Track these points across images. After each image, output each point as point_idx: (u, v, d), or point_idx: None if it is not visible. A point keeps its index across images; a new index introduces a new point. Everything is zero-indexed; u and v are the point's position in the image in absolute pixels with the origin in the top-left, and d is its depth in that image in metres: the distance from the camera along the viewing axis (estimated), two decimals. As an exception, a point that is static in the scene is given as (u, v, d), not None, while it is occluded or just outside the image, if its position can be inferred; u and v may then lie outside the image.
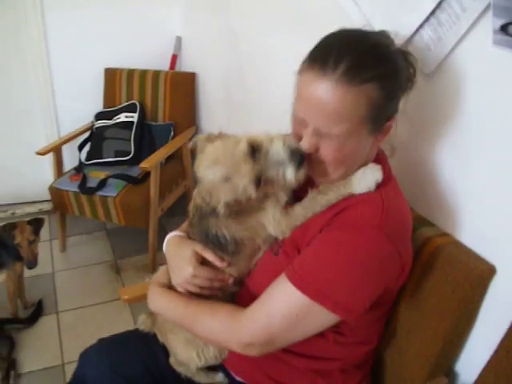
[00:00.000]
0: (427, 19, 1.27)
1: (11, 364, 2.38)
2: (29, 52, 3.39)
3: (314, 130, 1.05)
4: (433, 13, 1.25)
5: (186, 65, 3.57)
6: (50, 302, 2.86)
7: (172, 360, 1.46)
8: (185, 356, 1.39)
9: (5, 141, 3.61)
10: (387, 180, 1.14)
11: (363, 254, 1.04)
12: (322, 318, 1.08)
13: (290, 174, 1.07)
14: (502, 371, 1.11)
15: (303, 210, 1.16)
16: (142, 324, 1.52)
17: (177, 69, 3.58)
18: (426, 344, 1.26)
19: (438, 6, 1.22)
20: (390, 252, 1.06)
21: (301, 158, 1.06)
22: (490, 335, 1.18)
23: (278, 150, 1.07)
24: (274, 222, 1.19)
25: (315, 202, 1.14)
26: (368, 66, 0.99)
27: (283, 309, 1.09)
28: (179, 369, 1.45)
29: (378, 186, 1.11)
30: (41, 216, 2.72)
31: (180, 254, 1.33)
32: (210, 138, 1.16)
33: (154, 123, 3.36)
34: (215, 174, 1.09)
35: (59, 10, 3.30)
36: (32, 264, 2.56)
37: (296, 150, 1.06)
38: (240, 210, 1.16)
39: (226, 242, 1.24)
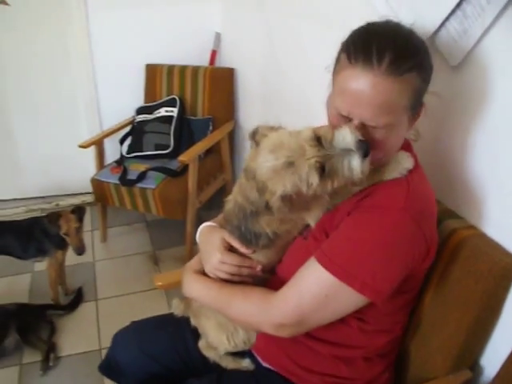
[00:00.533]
0: (453, 11, 1.26)
1: (51, 347, 2.47)
2: (73, 49, 3.51)
3: (359, 124, 1.06)
4: (458, 5, 1.24)
5: (225, 61, 3.61)
6: (90, 290, 2.96)
7: (201, 344, 1.48)
8: (216, 339, 1.41)
9: (50, 134, 3.74)
10: (415, 167, 1.15)
11: (389, 234, 1.07)
12: (351, 298, 1.09)
13: (357, 163, 1.02)
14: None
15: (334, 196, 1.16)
16: (176, 308, 1.56)
17: (216, 64, 3.62)
18: (450, 336, 1.26)
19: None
20: (415, 233, 1.07)
21: (367, 147, 1.02)
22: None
23: (345, 137, 1.02)
24: (316, 218, 1.21)
25: (347, 190, 1.15)
26: (408, 56, 1.02)
27: (313, 290, 1.11)
28: (208, 353, 1.47)
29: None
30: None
31: (210, 242, 1.37)
32: (272, 128, 1.13)
33: (193, 118, 3.41)
34: (278, 158, 1.03)
35: (102, 9, 3.40)
36: (81, 250, 2.64)
37: (362, 139, 1.03)
38: (294, 206, 1.12)
39: (262, 238, 1.25)
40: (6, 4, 3.25)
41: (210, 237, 1.39)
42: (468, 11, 1.22)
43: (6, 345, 2.43)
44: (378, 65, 1.00)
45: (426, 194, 1.15)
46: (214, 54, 3.58)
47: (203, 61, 3.57)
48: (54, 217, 2.60)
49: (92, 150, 3.21)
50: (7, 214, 3.64)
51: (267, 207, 1.10)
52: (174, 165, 3.10)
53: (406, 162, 1.14)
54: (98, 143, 3.20)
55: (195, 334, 1.50)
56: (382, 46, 1.01)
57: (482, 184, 1.30)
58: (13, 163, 3.79)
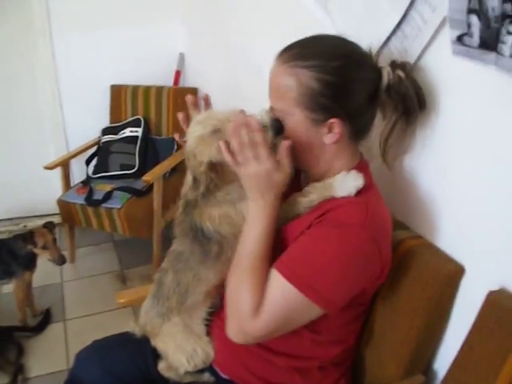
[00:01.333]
0: (394, 32, 1.34)
1: (19, 368, 2.48)
2: (38, 71, 3.54)
3: (270, 107, 1.22)
4: (399, 26, 1.32)
5: (188, 80, 3.68)
6: (58, 311, 2.97)
7: (161, 366, 1.51)
8: (175, 361, 1.44)
9: (16, 156, 3.75)
10: (369, 186, 1.21)
11: (349, 250, 1.11)
12: (307, 308, 1.13)
13: (270, 136, 1.16)
14: (466, 366, 1.16)
15: (286, 209, 1.23)
16: (132, 329, 1.57)
17: (180, 84, 3.69)
18: (401, 343, 1.31)
19: (403, 19, 1.30)
20: (373, 252, 1.13)
21: (279, 124, 1.18)
22: (463, 333, 1.20)
23: (262, 116, 1.18)
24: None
25: (297, 203, 1.22)
26: (310, 56, 1.14)
27: (280, 303, 1.13)
28: (168, 374, 1.50)
29: (360, 192, 1.18)
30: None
31: None
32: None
33: (158, 137, 3.47)
34: (205, 127, 1.18)
35: (66, 30, 3.45)
36: (62, 260, 2.74)
37: (275, 118, 1.18)
38: (221, 177, 1.22)
39: (210, 239, 1.27)
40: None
41: None
42: (407, 32, 1.30)
43: (-28, 367, 2.43)
44: (281, 56, 1.17)
45: (383, 215, 1.20)
46: (178, 74, 3.65)
47: (168, 81, 3.63)
48: (28, 235, 2.64)
49: (59, 171, 3.24)
50: (-26, 237, 3.63)
51: (195, 181, 1.22)
52: (139, 184, 3.15)
53: (355, 180, 1.18)
54: (64, 164, 3.23)
55: (155, 351, 1.51)
56: (295, 44, 1.18)
57: (430, 196, 1.37)
58: (-22, 186, 3.78)
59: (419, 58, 1.29)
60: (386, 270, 1.22)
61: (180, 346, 1.42)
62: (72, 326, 2.85)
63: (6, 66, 3.50)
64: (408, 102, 1.22)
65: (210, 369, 1.47)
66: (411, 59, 1.31)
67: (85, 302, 3.03)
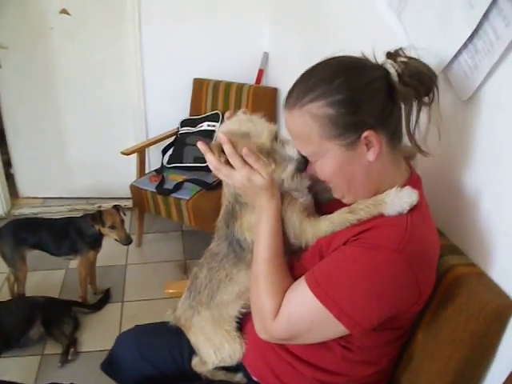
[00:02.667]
0: (465, 46, 1.26)
1: (72, 342, 2.58)
2: (125, 60, 3.68)
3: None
4: (470, 39, 1.25)
5: (271, 80, 3.68)
6: (118, 292, 3.07)
7: (194, 362, 1.52)
8: (204, 353, 1.46)
9: (99, 139, 3.94)
10: (419, 205, 1.14)
11: (378, 273, 1.07)
12: (330, 323, 1.10)
13: (291, 168, 1.20)
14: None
15: (330, 225, 1.19)
16: (169, 317, 1.59)
17: (263, 83, 3.70)
18: (438, 374, 1.23)
19: (476, 32, 1.22)
20: (406, 277, 1.07)
21: (304, 161, 1.19)
22: (508, 373, 1.11)
23: (292, 148, 1.20)
24: (298, 228, 1.24)
25: (344, 219, 1.17)
26: (311, 88, 1.09)
27: (300, 312, 1.14)
28: (200, 370, 1.51)
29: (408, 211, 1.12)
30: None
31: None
32: None
33: (235, 134, 3.47)
34: (240, 125, 1.21)
35: (155, 24, 3.56)
36: (128, 240, 2.81)
37: (303, 156, 1.18)
38: None
39: (245, 249, 1.30)
40: (67, 14, 3.44)
41: None
42: (479, 46, 1.22)
43: (30, 335, 2.56)
44: (287, 104, 1.13)
45: (426, 238, 1.13)
46: (260, 72, 3.66)
47: (250, 79, 3.65)
48: (97, 214, 2.75)
49: (135, 157, 3.35)
50: (52, 212, 3.83)
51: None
52: (210, 178, 3.18)
53: (409, 196, 1.11)
54: (140, 151, 3.33)
55: (191, 347, 1.53)
56: (293, 87, 1.14)
57: (491, 223, 1.26)
58: (62, 163, 4.01)
59: (488, 74, 1.21)
60: (425, 298, 1.16)
61: (209, 339, 1.44)
62: (128, 308, 2.93)
63: (96, 54, 3.68)
64: (424, 79, 1.13)
65: (243, 370, 1.46)
66: (481, 75, 1.22)
67: (144, 287, 3.11)
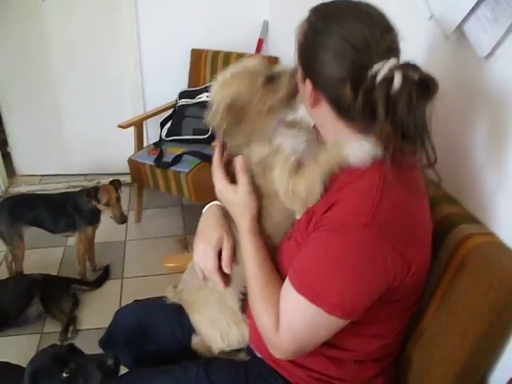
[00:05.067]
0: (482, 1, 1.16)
1: (72, 320, 2.53)
2: (121, 31, 3.59)
3: None
4: None
5: (271, 49, 3.57)
6: (117, 268, 3.01)
7: (195, 341, 1.45)
8: (209, 337, 1.38)
9: (95, 114, 3.85)
10: (400, 179, 1.03)
11: (351, 254, 0.99)
12: (329, 321, 1.03)
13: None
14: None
15: (317, 167, 1.09)
16: (169, 294, 1.54)
17: (263, 53, 3.59)
18: (452, 349, 1.15)
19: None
20: (381, 250, 0.98)
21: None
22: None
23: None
24: (283, 181, 1.14)
25: (312, 173, 1.09)
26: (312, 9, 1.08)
27: (298, 320, 1.06)
28: (202, 351, 1.44)
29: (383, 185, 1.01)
30: (123, 186, 2.87)
31: (206, 230, 1.33)
32: None
33: (234, 104, 3.38)
34: (227, 71, 1.20)
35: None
36: (123, 219, 2.74)
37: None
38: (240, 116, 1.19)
39: None
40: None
41: (211, 225, 1.34)
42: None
43: (29, 313, 2.51)
44: None
45: (400, 201, 1.03)
46: (260, 42, 3.55)
47: (249, 48, 3.54)
48: (92, 191, 2.67)
49: (133, 131, 3.27)
50: (49, 189, 3.76)
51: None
52: (210, 150, 3.09)
53: (371, 148, 1.01)
54: (138, 124, 3.25)
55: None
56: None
57: (508, 187, 1.18)
58: (58, 140, 3.93)
59: (510, 28, 1.11)
60: (419, 267, 1.06)
61: (215, 320, 1.36)
62: (128, 284, 2.88)
63: (90, 26, 3.59)
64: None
65: (246, 347, 1.40)
66: (502, 30, 1.12)
67: (144, 263, 3.05)
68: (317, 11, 1.06)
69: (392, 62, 0.95)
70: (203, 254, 1.28)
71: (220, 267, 1.27)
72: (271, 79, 1.16)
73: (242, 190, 1.18)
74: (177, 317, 1.51)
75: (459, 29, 1.25)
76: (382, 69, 0.94)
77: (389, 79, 0.93)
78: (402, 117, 0.94)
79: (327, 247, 1.02)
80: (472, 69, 1.25)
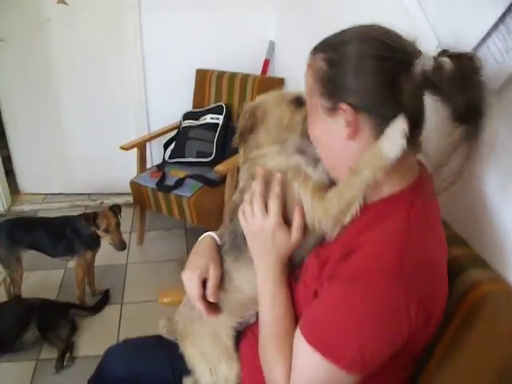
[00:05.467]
0: (495, 26, 1.10)
1: (68, 347, 2.48)
2: (126, 51, 3.58)
3: None
4: (502, 19, 1.08)
5: (278, 70, 3.54)
6: (117, 293, 2.96)
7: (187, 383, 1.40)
8: (198, 369, 1.33)
9: (100, 134, 3.84)
10: (422, 204, 0.99)
11: (373, 308, 0.92)
12: (338, 375, 0.95)
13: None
14: None
15: (338, 193, 1.02)
16: (163, 329, 1.49)
17: (269, 73, 3.56)
18: None
19: (509, 11, 1.06)
20: (406, 303, 0.91)
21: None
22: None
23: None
24: (309, 207, 1.08)
25: (351, 184, 1.00)
26: (322, 41, 1.03)
27: (310, 377, 0.99)
28: None
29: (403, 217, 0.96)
30: (126, 207, 2.83)
31: (194, 257, 1.32)
32: None
33: (239, 126, 3.34)
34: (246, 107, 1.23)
35: (155, 12, 3.45)
36: (122, 245, 2.69)
37: None
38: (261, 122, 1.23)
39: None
40: (65, 3, 3.32)
41: (199, 252, 1.34)
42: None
43: (25, 339, 2.46)
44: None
45: (428, 250, 0.97)
46: (266, 62, 3.52)
47: (255, 69, 3.51)
48: (91, 216, 2.62)
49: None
50: (53, 208, 3.74)
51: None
52: (213, 174, 3.04)
53: (396, 126, 0.93)
54: (141, 146, 3.21)
55: (185, 364, 1.39)
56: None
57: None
58: (62, 159, 3.91)
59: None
60: (438, 315, 1.00)
61: (206, 354, 1.31)
62: (128, 310, 2.82)
63: (96, 44, 3.58)
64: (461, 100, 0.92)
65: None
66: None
67: (145, 288, 3.00)
68: (327, 44, 1.02)
69: (428, 53, 0.95)
70: (188, 281, 1.25)
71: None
72: (299, 101, 1.19)
73: (272, 220, 1.10)
74: (168, 358, 1.46)
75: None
76: (426, 60, 0.93)
77: (437, 66, 0.92)
78: (468, 95, 0.92)
79: (347, 300, 0.94)
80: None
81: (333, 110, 0.98)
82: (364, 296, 0.92)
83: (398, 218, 0.96)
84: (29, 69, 3.62)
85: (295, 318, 1.11)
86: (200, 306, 1.24)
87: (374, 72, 0.93)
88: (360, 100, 0.95)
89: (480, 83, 0.93)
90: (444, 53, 0.95)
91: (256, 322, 1.27)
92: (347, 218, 1.02)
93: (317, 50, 1.01)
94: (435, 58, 0.93)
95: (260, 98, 1.25)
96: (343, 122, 0.97)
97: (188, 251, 3.36)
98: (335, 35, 1.02)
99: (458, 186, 1.15)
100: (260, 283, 1.14)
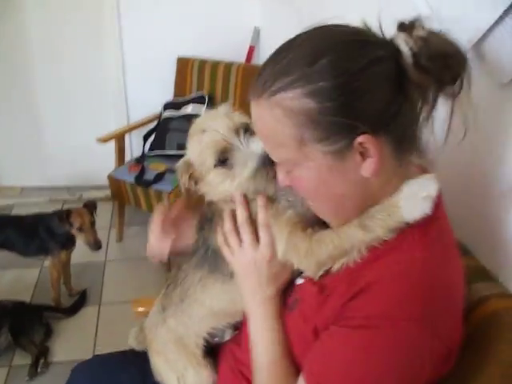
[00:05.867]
0: (506, 15, 0.99)
1: (43, 352, 2.36)
2: (104, 37, 3.44)
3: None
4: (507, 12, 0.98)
5: (263, 58, 3.38)
6: (95, 293, 2.84)
7: None
8: (166, 379, 1.24)
9: (76, 124, 3.69)
10: (438, 231, 0.86)
11: (397, 357, 0.80)
12: None
13: (252, 164, 0.97)
14: None
15: (336, 238, 0.89)
16: (134, 340, 1.39)
17: (254, 62, 3.41)
18: None
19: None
20: (431, 344, 0.80)
21: (268, 160, 0.94)
22: None
23: (258, 143, 0.96)
24: (285, 244, 0.96)
25: (355, 238, 0.87)
26: (286, 70, 0.79)
27: None
28: None
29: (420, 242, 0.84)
30: (106, 201, 2.69)
31: None
32: None
33: (222, 118, 3.21)
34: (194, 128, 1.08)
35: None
36: (97, 245, 2.55)
37: (269, 160, 0.93)
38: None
39: (224, 260, 1.07)
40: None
41: None
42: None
43: (-3, 344, 2.34)
44: (254, 90, 0.83)
45: (449, 282, 0.85)
46: (251, 49, 3.38)
47: (239, 56, 3.36)
48: (64, 214, 2.49)
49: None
50: (29, 203, 3.59)
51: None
52: (195, 168, 2.92)
53: (425, 189, 0.82)
54: (119, 138, 3.09)
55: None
56: (264, 65, 0.83)
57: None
58: (39, 150, 3.76)
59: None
60: (455, 355, 0.87)
61: (171, 362, 1.22)
62: (106, 312, 2.70)
63: (73, 30, 3.43)
64: (450, 63, 0.78)
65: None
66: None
67: (124, 287, 2.87)
68: (291, 75, 0.78)
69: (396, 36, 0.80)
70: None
71: None
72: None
73: (265, 251, 0.98)
74: (141, 376, 1.32)
75: (475, 49, 1.08)
76: (404, 42, 0.78)
77: (421, 42, 0.78)
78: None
79: (366, 350, 0.81)
80: (489, 98, 1.07)
81: (343, 151, 0.80)
82: (384, 343, 0.80)
83: (412, 245, 0.83)
84: (1, 52, 3.45)
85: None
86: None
87: (378, 82, 0.78)
88: (375, 121, 0.78)
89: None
90: (403, 27, 0.81)
91: (236, 343, 1.17)
92: (336, 266, 0.90)
93: (272, 84, 0.79)
94: (409, 35, 0.79)
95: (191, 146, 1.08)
96: (358, 158, 0.80)
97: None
98: (288, 60, 0.79)
99: (462, 190, 1.04)
100: (256, 321, 1.02)
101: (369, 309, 0.81)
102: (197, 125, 1.08)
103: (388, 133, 0.80)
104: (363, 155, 0.80)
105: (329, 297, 0.90)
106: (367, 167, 0.80)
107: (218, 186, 1.03)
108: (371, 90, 0.77)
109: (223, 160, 0.99)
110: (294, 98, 0.77)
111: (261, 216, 0.99)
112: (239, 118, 1.02)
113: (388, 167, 0.83)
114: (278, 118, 0.79)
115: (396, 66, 0.78)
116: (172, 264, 3.01)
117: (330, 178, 0.83)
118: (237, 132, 0.99)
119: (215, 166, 1.00)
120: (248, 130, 1.00)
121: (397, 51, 0.78)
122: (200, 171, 1.05)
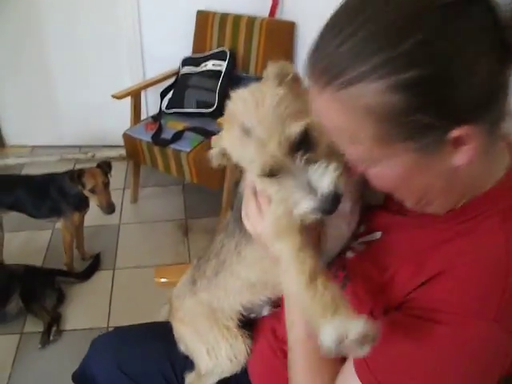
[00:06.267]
0: None
1: (55, 319, 2.26)
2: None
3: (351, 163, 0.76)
4: None
5: (287, 13, 3.17)
6: (109, 256, 2.72)
7: (190, 380, 1.20)
8: (193, 350, 1.16)
9: (90, 80, 3.54)
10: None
11: (470, 356, 0.70)
12: None
13: (307, 206, 0.75)
14: None
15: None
16: (164, 314, 1.31)
17: (277, 16, 3.19)
18: None
19: None
20: (507, 344, 0.71)
21: (334, 205, 0.74)
22: None
23: (323, 176, 0.74)
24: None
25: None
26: (357, 54, 0.61)
27: None
28: None
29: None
30: (119, 161, 2.54)
31: None
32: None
33: (244, 74, 3.04)
34: (232, 113, 0.81)
35: None
36: (110, 208, 2.43)
37: (338, 194, 0.74)
38: None
39: None
40: None
41: None
42: None
43: (8, 310, 2.25)
44: (313, 73, 0.67)
45: None
46: (275, 3, 3.15)
47: (262, 10, 3.14)
48: (76, 174, 2.34)
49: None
50: (40, 162, 3.46)
51: None
52: (214, 126, 2.75)
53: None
54: (135, 95, 2.91)
55: (187, 357, 1.19)
56: (323, 39, 0.66)
57: None
58: (50, 108, 3.61)
59: None
60: None
61: (200, 334, 1.14)
62: (120, 276, 2.59)
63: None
64: None
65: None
66: None
67: (139, 251, 2.76)
68: (361, 48, 0.61)
69: None
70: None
71: None
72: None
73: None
74: (168, 350, 1.23)
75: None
76: None
77: None
78: None
79: (432, 343, 0.71)
80: None
81: (434, 145, 0.66)
82: (455, 339, 0.70)
83: (491, 230, 0.72)
84: (10, 12, 3.27)
85: None
86: None
87: (478, 57, 0.61)
88: (476, 108, 0.63)
89: None
90: None
91: (276, 319, 1.06)
92: None
93: (342, 73, 0.62)
94: None
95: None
96: (450, 149, 0.65)
97: (186, 210, 3.10)
98: (360, 38, 0.61)
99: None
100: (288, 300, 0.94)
101: (439, 297, 0.72)
102: (236, 110, 0.80)
103: (486, 115, 0.65)
104: (457, 144, 0.65)
105: (393, 279, 0.79)
106: (461, 156, 0.66)
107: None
108: (471, 72, 0.61)
109: (272, 175, 0.79)
110: (376, 93, 0.61)
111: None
112: (296, 125, 0.75)
113: (481, 149, 0.67)
114: (354, 114, 0.65)
115: (492, 25, 0.61)
116: (189, 228, 2.89)
117: (414, 173, 0.70)
118: (291, 149, 0.76)
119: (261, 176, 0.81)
120: (306, 143, 0.77)
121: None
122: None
